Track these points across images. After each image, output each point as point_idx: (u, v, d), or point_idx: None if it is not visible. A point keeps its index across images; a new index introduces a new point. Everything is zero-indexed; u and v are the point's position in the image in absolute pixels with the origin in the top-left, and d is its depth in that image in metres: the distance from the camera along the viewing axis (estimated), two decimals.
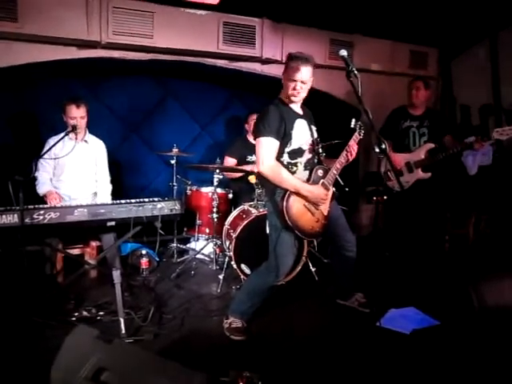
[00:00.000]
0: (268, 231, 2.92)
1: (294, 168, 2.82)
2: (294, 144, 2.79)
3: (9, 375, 2.41)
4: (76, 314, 3.09)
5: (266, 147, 2.70)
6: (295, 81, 2.72)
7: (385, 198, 5.01)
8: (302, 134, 2.83)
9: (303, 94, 2.80)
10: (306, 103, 2.96)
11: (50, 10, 3.55)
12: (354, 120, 2.92)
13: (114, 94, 4.92)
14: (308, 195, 2.77)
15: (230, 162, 4.63)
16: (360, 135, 2.95)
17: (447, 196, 4.48)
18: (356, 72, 2.35)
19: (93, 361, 1.65)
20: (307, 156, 2.87)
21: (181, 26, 3.99)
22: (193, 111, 5.45)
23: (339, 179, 3.85)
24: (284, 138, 2.74)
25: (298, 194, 2.75)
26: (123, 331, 2.79)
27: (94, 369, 1.61)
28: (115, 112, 5.00)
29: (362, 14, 4.46)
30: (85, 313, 3.11)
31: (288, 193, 2.74)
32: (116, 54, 3.99)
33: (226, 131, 5.62)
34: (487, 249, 4.43)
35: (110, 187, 3.85)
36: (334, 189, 3.07)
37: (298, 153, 2.81)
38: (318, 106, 2.99)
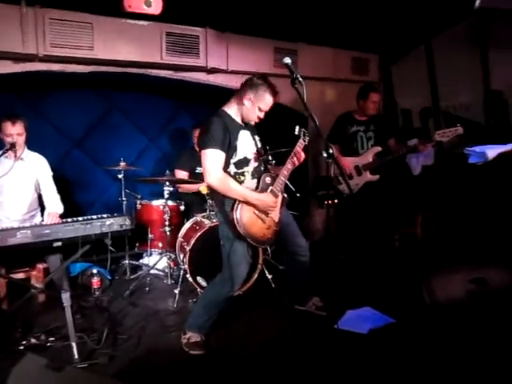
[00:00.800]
0: (221, 242, 2.90)
1: (242, 177, 2.82)
2: (240, 154, 2.79)
3: None
4: (24, 342, 2.91)
5: (212, 159, 2.68)
6: (263, 111, 2.79)
7: (336, 201, 5.11)
8: (247, 144, 2.84)
9: None
10: None
11: None
12: (297, 127, 2.94)
13: (55, 109, 4.74)
14: (257, 203, 2.77)
15: (182, 175, 4.57)
16: (305, 141, 2.98)
17: (394, 196, 4.62)
18: (301, 79, 2.39)
19: None
20: (253, 165, 2.87)
21: (122, 36, 3.90)
22: (139, 123, 5.34)
23: (290, 185, 3.90)
24: (229, 149, 2.73)
25: (247, 202, 2.75)
26: (76, 356, 2.68)
27: None
28: (57, 127, 4.81)
29: (305, 23, 4.54)
30: (33, 340, 2.93)
31: (237, 202, 2.74)
32: (55, 66, 3.83)
33: (174, 142, 5.54)
34: (435, 246, 4.60)
35: (57, 197, 3.65)
36: (285, 195, 3.09)
37: (243, 162, 2.81)
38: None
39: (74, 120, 4.86)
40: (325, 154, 2.31)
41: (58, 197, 3.66)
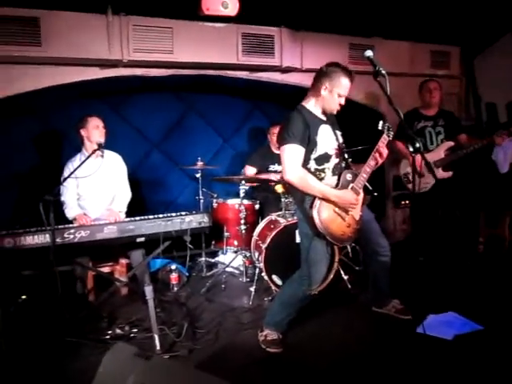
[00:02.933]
0: (299, 240, 2.87)
1: (322, 174, 2.76)
2: (320, 150, 2.73)
3: None
4: (110, 332, 3.07)
5: (292, 155, 2.65)
6: (343, 96, 2.72)
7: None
8: (327, 139, 2.77)
9: None
10: None
11: (71, 32, 3.60)
12: (381, 122, 2.84)
13: (136, 112, 4.98)
14: (336, 200, 2.70)
15: (250, 170, 4.64)
16: (389, 136, 2.87)
17: (479, 195, 4.34)
18: (384, 72, 2.31)
19: (132, 378, 1.61)
20: (334, 161, 2.80)
21: (200, 39, 4.00)
22: (215, 124, 5.47)
23: (367, 184, 3.79)
24: (309, 144, 2.69)
25: (327, 200, 2.69)
26: (158, 347, 2.77)
27: None
28: (138, 129, 5.05)
29: (380, 17, 4.42)
30: (118, 330, 3.09)
31: (317, 199, 2.68)
32: (138, 71, 4.01)
33: (249, 143, 5.62)
34: None
35: (129, 195, 3.86)
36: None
37: (324, 158, 2.75)
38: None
39: (153, 122, 5.07)
40: (411, 149, 2.22)
41: (128, 197, 3.84)
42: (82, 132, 3.63)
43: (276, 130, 4.19)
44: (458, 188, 4.00)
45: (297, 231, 3.15)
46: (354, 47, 4.63)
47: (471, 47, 5.27)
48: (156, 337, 2.79)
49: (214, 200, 4.57)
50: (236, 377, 2.52)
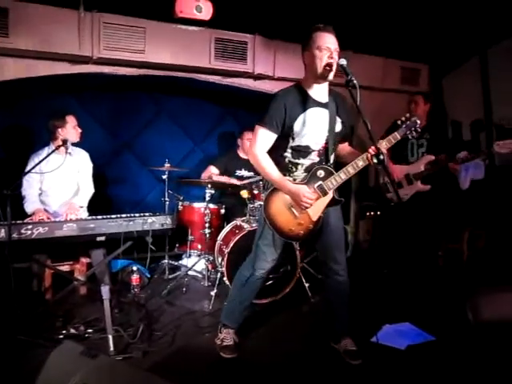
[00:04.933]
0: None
1: (294, 169, 2.59)
2: (300, 140, 2.52)
3: None
4: (64, 331, 3.00)
5: (261, 137, 2.52)
6: (325, 49, 2.45)
7: (378, 213, 4.99)
8: (313, 127, 2.52)
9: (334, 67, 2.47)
10: None
11: (41, 25, 3.54)
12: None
13: (106, 110, 4.93)
14: (289, 195, 2.52)
15: (213, 170, 4.69)
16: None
17: (441, 210, 4.45)
18: (355, 81, 2.33)
19: (77, 377, 1.59)
20: (313, 159, 2.57)
21: (173, 41, 4.00)
22: (186, 127, 5.45)
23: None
24: (284, 130, 2.51)
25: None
26: (112, 348, 2.72)
27: None
28: (107, 127, 5.00)
29: (353, 31, 4.49)
30: (73, 330, 3.02)
31: (273, 188, 2.57)
32: (107, 69, 3.98)
33: (219, 147, 5.63)
34: (482, 264, 4.40)
35: (91, 191, 3.80)
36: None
37: (303, 152, 2.55)
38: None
39: (123, 121, 5.03)
40: (375, 160, 2.25)
41: (90, 192, 3.79)
42: (61, 131, 3.55)
43: (249, 135, 4.22)
44: (429, 201, 4.04)
45: None
46: None
47: (440, 66, 5.43)
48: (110, 337, 2.74)
49: (180, 202, 4.54)
50: (187, 380, 2.51)
